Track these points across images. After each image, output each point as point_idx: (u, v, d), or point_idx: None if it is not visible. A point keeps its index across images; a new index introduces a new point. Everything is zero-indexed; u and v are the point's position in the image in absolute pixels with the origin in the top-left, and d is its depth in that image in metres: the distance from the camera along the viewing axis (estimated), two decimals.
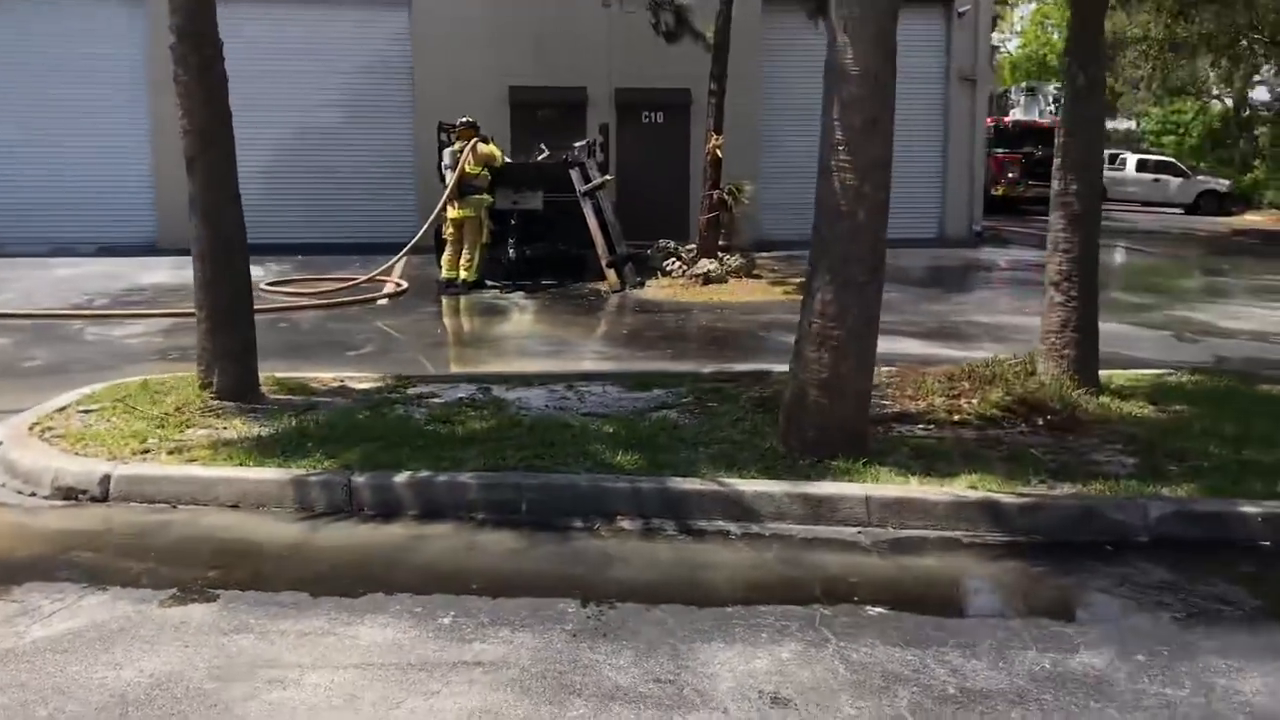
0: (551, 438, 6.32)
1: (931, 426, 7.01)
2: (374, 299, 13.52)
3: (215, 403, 7.01)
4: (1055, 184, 7.79)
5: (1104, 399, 7.61)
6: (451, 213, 14.33)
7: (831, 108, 5.92)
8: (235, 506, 5.65)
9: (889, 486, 5.63)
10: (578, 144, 16.19)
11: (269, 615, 4.35)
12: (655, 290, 14.42)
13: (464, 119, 14.94)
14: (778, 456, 6.13)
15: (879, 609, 4.51)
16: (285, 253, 17.78)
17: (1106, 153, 35.23)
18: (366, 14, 19.28)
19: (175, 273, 15.75)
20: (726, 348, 10.86)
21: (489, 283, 14.55)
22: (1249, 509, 5.44)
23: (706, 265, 14.85)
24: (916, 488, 5.64)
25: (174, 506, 5.67)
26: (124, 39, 18.73)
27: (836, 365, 6.06)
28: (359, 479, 5.67)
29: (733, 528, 5.45)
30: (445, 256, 14.51)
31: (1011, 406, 7.31)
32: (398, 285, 14.43)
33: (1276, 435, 6.64)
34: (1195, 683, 3.87)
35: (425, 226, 14.75)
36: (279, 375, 7.98)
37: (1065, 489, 5.76)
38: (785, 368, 8.56)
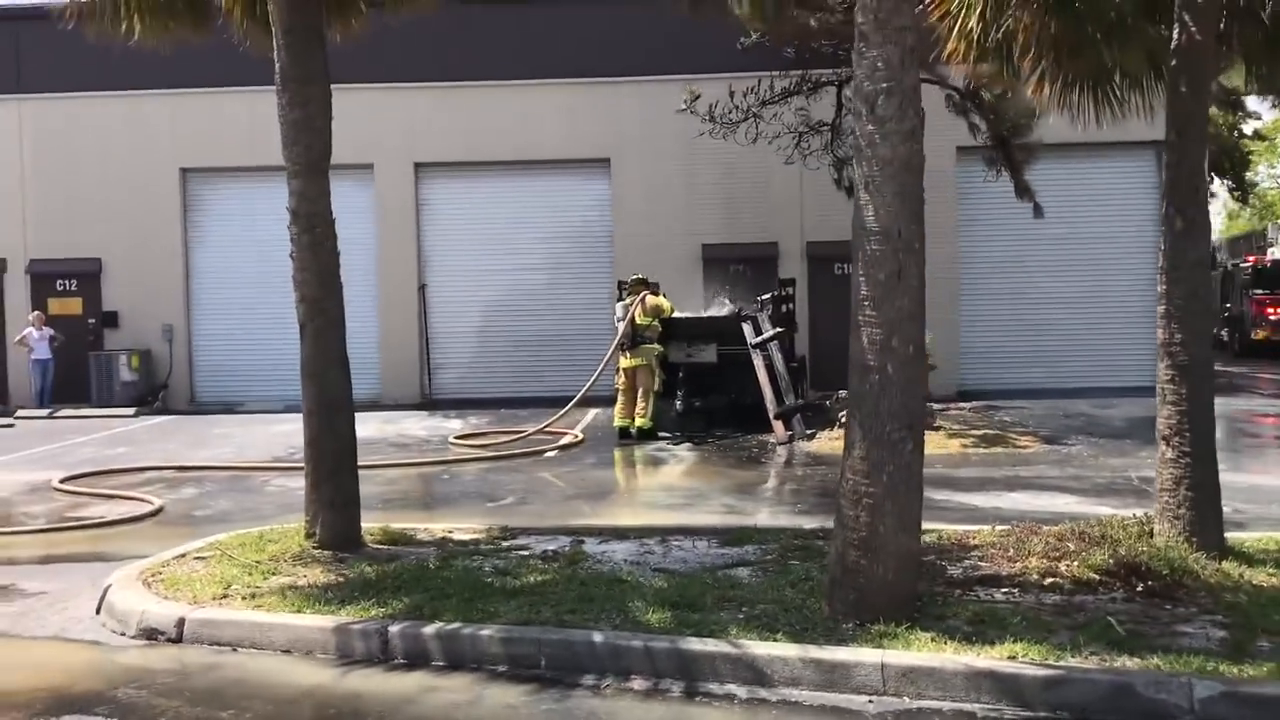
0: (595, 593, 6.40)
1: (1015, 590, 6.63)
2: (543, 451, 14.03)
3: (315, 551, 7.52)
4: (1160, 333, 7.37)
5: (1227, 564, 6.97)
6: (623, 362, 14.87)
7: (857, 263, 5.93)
8: (287, 651, 6.02)
9: (908, 654, 5.38)
10: (763, 296, 16.50)
11: None
12: (822, 442, 14.26)
13: (635, 275, 15.61)
14: (820, 620, 5.97)
15: None
16: (491, 407, 18.79)
17: None
18: (572, 182, 20.46)
19: (384, 426, 16.96)
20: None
21: (661, 433, 14.87)
22: None
23: None
24: (940, 656, 5.35)
25: (234, 649, 6.10)
26: (358, 214, 20.56)
27: (874, 524, 5.90)
28: (394, 629, 5.94)
29: (741, 691, 5.34)
30: (618, 406, 15.00)
31: (1112, 570, 6.82)
32: (574, 437, 14.94)
33: None
34: None
35: (592, 379, 15.25)
36: (394, 526, 8.45)
37: (1119, 662, 5.31)
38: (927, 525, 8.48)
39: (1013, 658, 5.37)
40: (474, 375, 20.38)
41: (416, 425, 17.22)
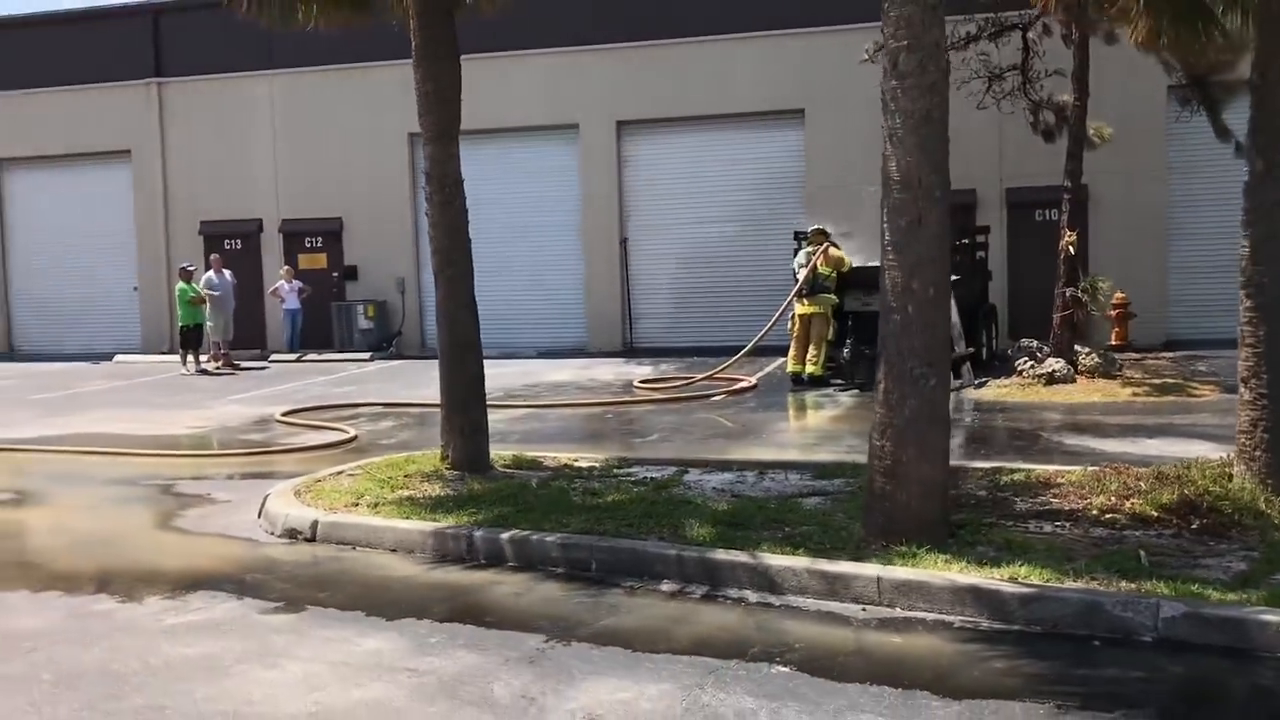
0: (658, 511, 7.16)
1: (1067, 524, 6.91)
2: (710, 395, 14.78)
3: (446, 472, 8.61)
4: (1241, 276, 7.35)
5: None
6: (800, 309, 15.38)
7: (883, 211, 6.36)
8: (394, 550, 7.11)
9: (903, 569, 5.86)
10: (963, 243, 16.61)
11: (319, 623, 5.68)
12: (992, 390, 14.34)
13: (816, 226, 16.03)
14: (852, 540, 6.49)
15: (785, 668, 4.92)
16: (686, 355, 19.66)
17: None
18: (766, 134, 20.93)
19: (579, 372, 18.17)
20: (985, 445, 10.82)
21: (835, 380, 15.32)
22: (1270, 617, 5.04)
23: (1052, 365, 14.49)
24: (931, 572, 5.81)
25: (354, 547, 7.24)
26: (563, 172, 21.79)
27: (897, 454, 6.37)
28: (478, 534, 6.91)
29: (753, 596, 5.99)
30: (792, 352, 15.54)
31: (1172, 508, 7.00)
32: (749, 382, 15.62)
33: None
34: None
35: (769, 325, 15.84)
36: (528, 454, 9.50)
37: (1115, 586, 5.59)
38: (1013, 464, 8.79)
39: (1013, 579, 5.75)
40: (672, 324, 21.30)
41: (610, 371, 18.30)
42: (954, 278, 15.34)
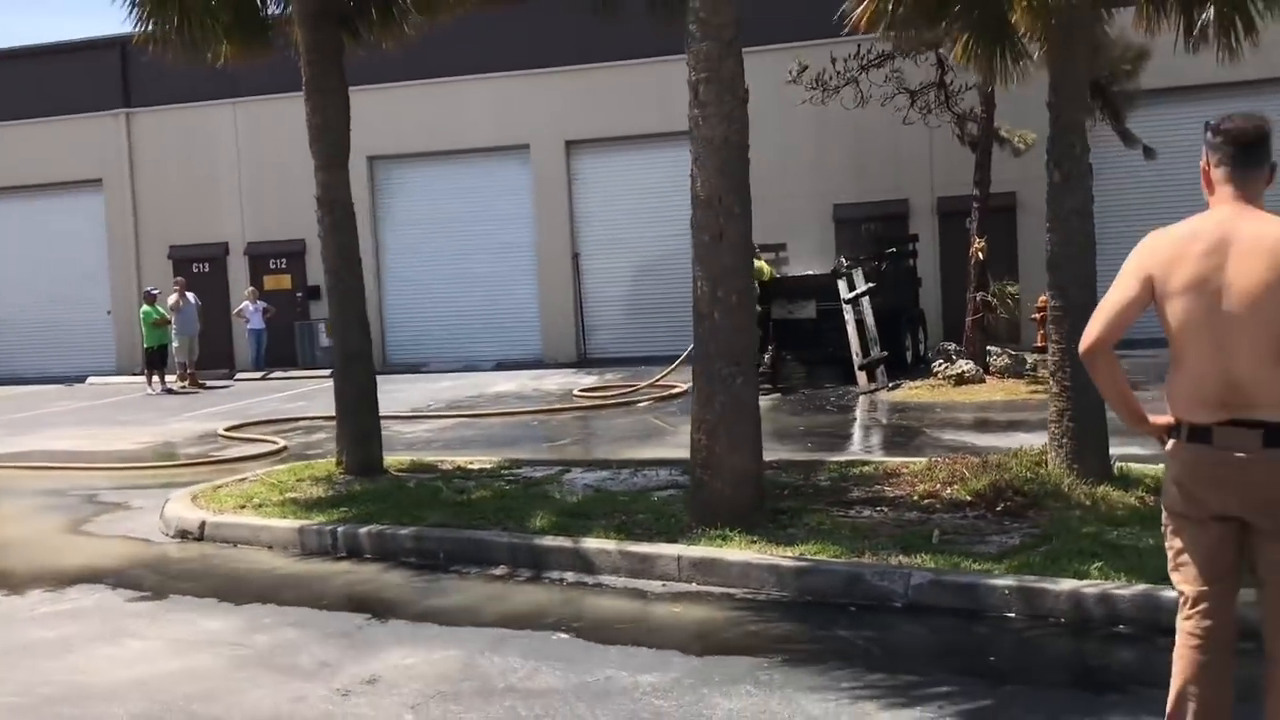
0: (513, 505, 7.82)
1: (885, 509, 7.53)
2: (636, 402, 15.44)
3: (339, 476, 9.26)
4: (1049, 276, 7.99)
5: (1102, 488, 7.58)
6: None
7: (692, 226, 7.01)
8: (270, 546, 7.75)
9: (699, 549, 6.50)
10: (890, 251, 17.37)
11: (174, 609, 6.34)
12: (903, 391, 14.96)
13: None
14: (679, 526, 7.13)
15: (565, 635, 5.57)
16: (638, 364, 20.25)
17: None
18: None
19: (527, 382, 18.84)
20: (868, 440, 11.45)
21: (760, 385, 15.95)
22: (998, 581, 5.67)
23: (962, 366, 15.12)
24: (723, 550, 6.45)
25: (235, 545, 7.89)
26: (517, 191, 22.50)
27: (711, 447, 7.01)
28: (341, 529, 7.56)
29: (570, 576, 6.63)
30: None
31: (984, 493, 7.61)
32: (681, 388, 16.26)
33: None
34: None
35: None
36: (427, 459, 10.14)
37: (894, 560, 6.19)
38: (875, 458, 9.40)
39: (798, 556, 6.37)
40: (624, 335, 21.97)
41: (557, 381, 18.96)
42: (872, 285, 16.37)
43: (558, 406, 15.52)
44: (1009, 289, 15.91)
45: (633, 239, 21.79)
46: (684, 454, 10.61)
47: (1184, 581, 3.47)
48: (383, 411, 15.78)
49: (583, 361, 21.83)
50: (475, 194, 22.55)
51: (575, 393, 16.93)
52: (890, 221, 20.42)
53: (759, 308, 15.99)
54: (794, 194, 20.64)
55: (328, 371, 21.63)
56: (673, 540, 6.80)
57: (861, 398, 14.82)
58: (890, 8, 8.40)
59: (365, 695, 4.85)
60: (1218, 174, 3.43)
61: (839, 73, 16.94)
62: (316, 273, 23.37)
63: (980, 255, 15.68)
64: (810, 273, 17.10)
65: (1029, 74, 8.79)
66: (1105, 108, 15.92)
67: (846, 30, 9.72)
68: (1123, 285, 3.49)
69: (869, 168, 20.52)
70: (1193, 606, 3.43)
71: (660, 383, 16.48)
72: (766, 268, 16.30)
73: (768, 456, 10.23)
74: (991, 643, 5.26)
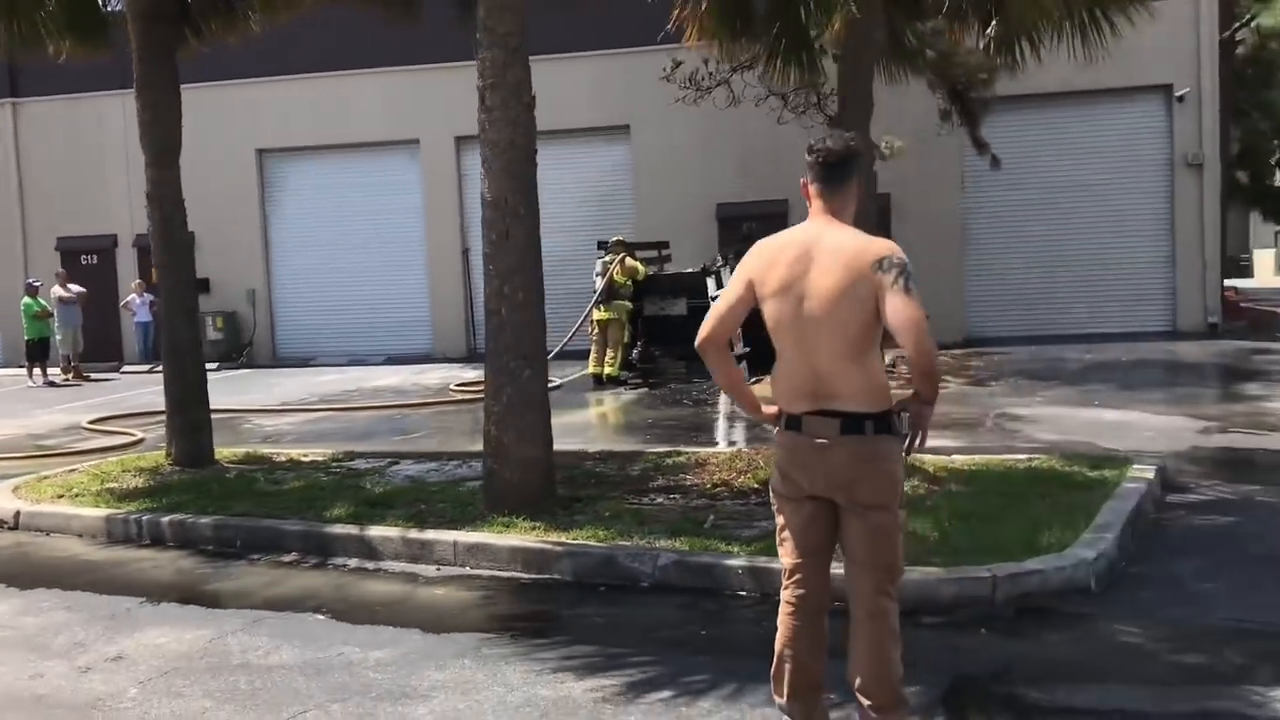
0: (318, 495, 8.07)
1: (678, 497, 7.87)
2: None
3: (168, 467, 9.43)
4: None
5: None
6: (597, 315, 16.39)
7: (482, 226, 7.31)
8: (80, 535, 7.93)
9: (474, 534, 6.82)
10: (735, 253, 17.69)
11: None
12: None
13: (616, 237, 17.08)
14: (473, 513, 7.42)
15: (322, 616, 5.85)
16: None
17: None
18: (596, 149, 21.96)
19: (409, 377, 19.01)
20: (701, 431, 11.85)
21: (633, 380, 16.36)
22: (733, 562, 6.05)
23: None
24: (496, 534, 6.77)
25: (48, 534, 8.05)
26: (407, 186, 22.65)
27: (500, 437, 7.32)
28: (145, 518, 7.76)
29: (353, 562, 6.91)
30: (592, 355, 16.55)
31: (769, 481, 7.98)
32: (553, 382, 16.56)
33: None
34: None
35: (572, 332, 16.84)
36: (262, 450, 10.34)
37: (661, 543, 6.53)
38: (690, 448, 9.76)
39: (566, 540, 6.69)
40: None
41: (439, 375, 19.14)
42: None
43: (429, 401, 15.73)
44: None
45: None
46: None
47: (784, 555, 3.85)
48: (253, 405, 16.05)
49: (473, 356, 21.99)
50: (365, 189, 22.64)
51: (452, 387, 17.13)
52: (769, 221, 20.83)
53: (629, 304, 16.51)
54: (679, 193, 21.04)
55: (215, 365, 21.81)
56: (463, 527, 7.09)
57: (724, 393, 15.23)
58: (699, 21, 8.77)
59: (104, 672, 5.10)
60: (812, 189, 3.80)
61: (710, 73, 17.32)
62: (205, 265, 23.28)
63: None
64: (681, 270, 17.47)
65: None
66: (962, 114, 16.50)
67: (670, 39, 10.08)
68: (731, 288, 3.85)
69: (751, 167, 20.95)
70: (790, 577, 3.81)
71: None
72: (640, 266, 16.67)
73: (607, 448, 10.66)
74: (711, 618, 5.63)
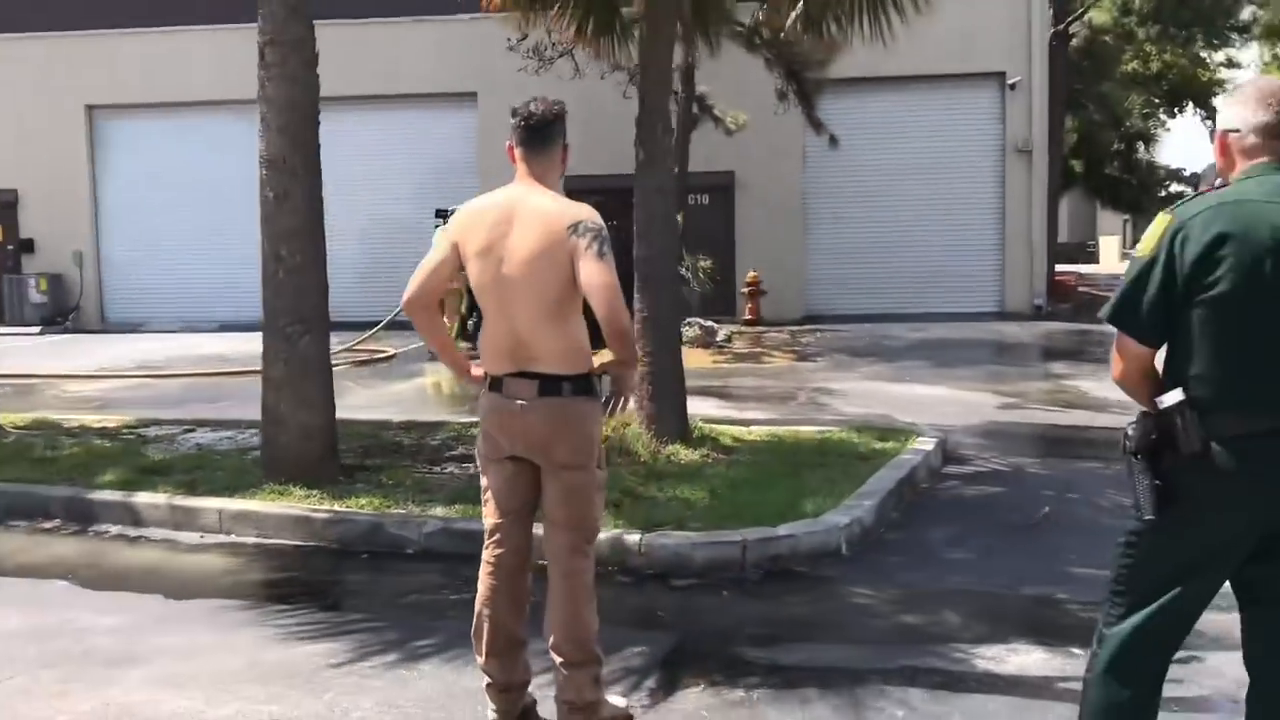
0: (97, 462, 7.78)
1: (467, 466, 7.79)
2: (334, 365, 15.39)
3: None
4: (636, 248, 8.45)
5: (673, 446, 8.09)
6: None
7: (259, 186, 7.13)
8: None
9: (241, 501, 6.68)
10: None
11: None
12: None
13: (453, 207, 16.87)
14: (251, 480, 7.25)
15: (65, 583, 5.66)
16: (364, 327, 20.05)
17: None
18: (438, 115, 21.69)
19: (237, 345, 18.44)
20: None
21: (465, 348, 16.20)
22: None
23: None
24: (264, 502, 6.64)
25: None
26: (245, 149, 21.93)
27: (276, 403, 7.17)
28: None
29: (116, 529, 6.70)
30: None
31: None
32: (387, 352, 16.37)
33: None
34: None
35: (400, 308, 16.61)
36: (52, 417, 9.94)
37: (435, 510, 6.47)
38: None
39: (346, 508, 6.60)
40: (353, 298, 21.69)
41: None
42: None
43: (252, 369, 15.29)
44: (701, 263, 16.59)
45: (363, 202, 21.59)
46: (350, 415, 10.79)
47: (486, 515, 3.86)
48: (68, 370, 15.42)
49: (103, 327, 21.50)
50: (200, 149, 21.91)
51: None
52: (616, 196, 20.87)
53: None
54: None
55: (38, 328, 20.94)
56: (236, 495, 6.93)
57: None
58: None
59: None
60: (516, 153, 3.79)
61: (554, 44, 17.22)
62: (29, 226, 22.36)
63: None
64: None
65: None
66: (799, 94, 16.77)
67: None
68: (435, 250, 3.82)
69: (601, 142, 20.88)
70: (490, 536, 3.83)
71: (362, 347, 16.52)
72: None
73: (420, 418, 10.54)
74: (466, 584, 5.42)
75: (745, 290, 19.61)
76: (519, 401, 3.67)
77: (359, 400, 12.09)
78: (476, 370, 3.91)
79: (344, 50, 21.11)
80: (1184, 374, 2.71)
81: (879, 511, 6.50)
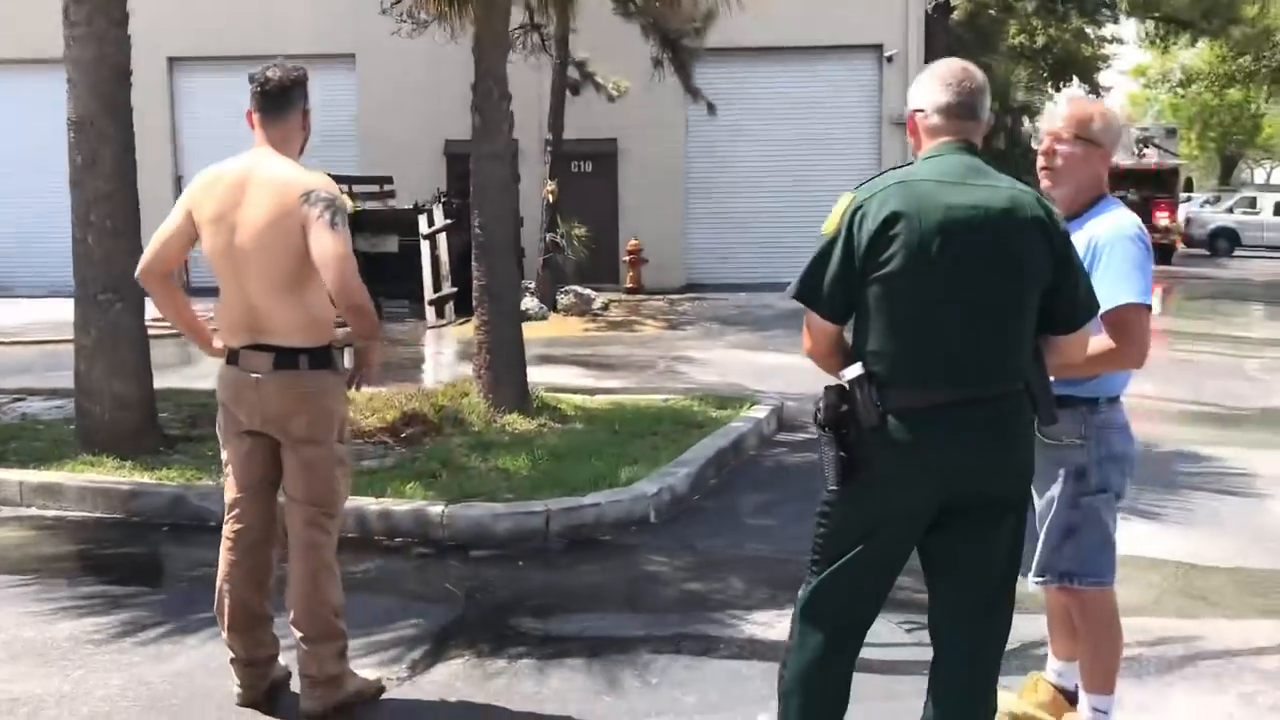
0: None
1: None
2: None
3: None
4: (474, 214, 8.38)
5: (511, 416, 8.07)
6: None
7: (68, 149, 6.89)
8: None
9: (43, 474, 6.50)
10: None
11: None
12: (469, 327, 15.28)
13: (328, 172, 16.56)
14: (68, 452, 7.04)
15: None
16: None
17: (1243, 196, 33.50)
18: (319, 76, 21.15)
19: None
20: (400, 370, 11.63)
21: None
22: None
23: (527, 304, 15.61)
24: (70, 475, 6.47)
25: None
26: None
27: (89, 373, 6.98)
28: None
29: None
30: None
31: (393, 422, 7.91)
32: None
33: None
34: None
35: None
36: None
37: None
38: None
39: (154, 480, 6.46)
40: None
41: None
42: (450, 221, 16.59)
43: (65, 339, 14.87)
44: (575, 231, 16.53)
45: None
46: (189, 385, 10.55)
47: (227, 489, 3.80)
48: None
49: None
50: (56, 109, 21.08)
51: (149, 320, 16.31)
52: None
53: None
54: (406, 127, 20.56)
55: None
56: (45, 466, 6.74)
57: (428, 332, 15.08)
58: None
59: None
60: (255, 120, 3.70)
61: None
62: None
63: (551, 198, 16.21)
64: (393, 207, 17.13)
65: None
66: (674, 62, 16.74)
67: None
68: (170, 217, 3.73)
69: None
70: (230, 511, 3.77)
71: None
72: (350, 201, 16.22)
73: None
74: None
75: (626, 258, 19.60)
76: (254, 375, 3.61)
77: (205, 370, 11.79)
78: (218, 342, 3.82)
79: (216, 7, 20.60)
80: (864, 349, 2.76)
81: (695, 479, 6.56)
